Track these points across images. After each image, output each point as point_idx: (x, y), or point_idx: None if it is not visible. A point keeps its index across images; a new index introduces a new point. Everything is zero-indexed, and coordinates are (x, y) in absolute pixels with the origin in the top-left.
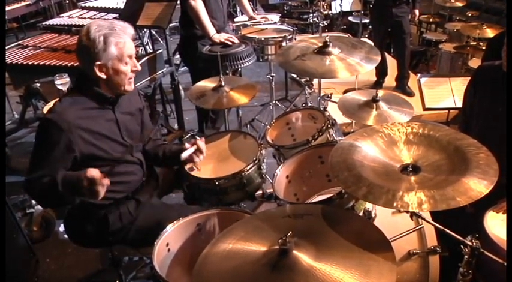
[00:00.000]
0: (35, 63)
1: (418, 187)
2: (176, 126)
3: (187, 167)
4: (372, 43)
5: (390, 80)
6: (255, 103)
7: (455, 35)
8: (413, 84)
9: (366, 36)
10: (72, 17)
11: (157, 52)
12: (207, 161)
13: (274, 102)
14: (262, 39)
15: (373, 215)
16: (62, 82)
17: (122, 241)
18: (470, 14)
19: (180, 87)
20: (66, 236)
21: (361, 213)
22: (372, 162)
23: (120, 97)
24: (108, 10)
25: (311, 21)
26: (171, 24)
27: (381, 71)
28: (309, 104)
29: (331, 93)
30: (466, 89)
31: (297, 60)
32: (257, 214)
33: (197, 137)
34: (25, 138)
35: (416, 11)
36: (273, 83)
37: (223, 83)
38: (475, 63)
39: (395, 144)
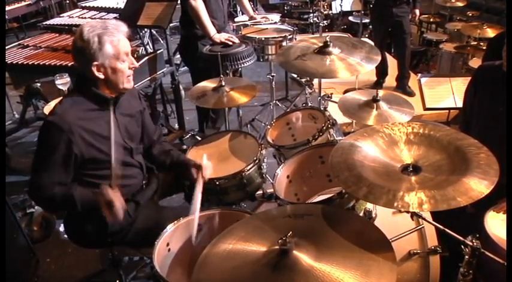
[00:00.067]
0: (36, 63)
1: (418, 187)
2: (176, 126)
3: None
4: (372, 43)
5: (390, 80)
6: (255, 103)
7: (455, 35)
8: (413, 84)
9: (366, 36)
10: (72, 17)
11: (158, 52)
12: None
13: (274, 102)
14: (263, 39)
15: (373, 215)
16: (63, 82)
17: (121, 242)
18: (470, 14)
19: (181, 87)
20: (66, 236)
21: (361, 214)
22: (372, 162)
23: (121, 98)
24: (108, 10)
25: (311, 21)
26: (171, 24)
27: (381, 71)
28: (310, 104)
29: (331, 93)
30: (467, 89)
31: (298, 60)
32: (257, 214)
33: (197, 137)
34: (25, 138)
35: (417, 11)
36: (274, 83)
37: (223, 83)
38: (475, 63)
39: (395, 144)
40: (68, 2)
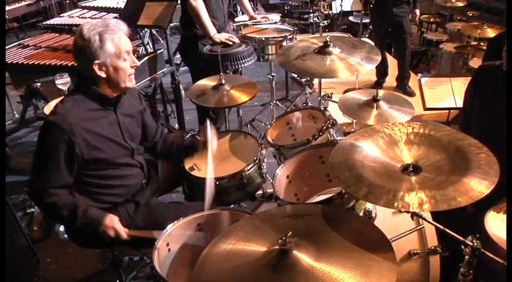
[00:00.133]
0: (36, 62)
1: (418, 187)
2: (176, 126)
3: (187, 166)
4: (372, 43)
5: (391, 80)
6: (255, 103)
7: (455, 35)
8: (413, 84)
9: (367, 36)
10: (72, 17)
11: (158, 52)
12: (208, 160)
13: (274, 102)
14: (263, 39)
15: (373, 215)
16: (63, 82)
17: (122, 242)
18: (471, 14)
19: (181, 87)
20: (66, 235)
21: (361, 214)
22: (372, 162)
23: (122, 97)
24: (108, 10)
25: (311, 21)
26: (171, 24)
27: (382, 70)
28: (310, 104)
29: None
30: (467, 89)
31: (298, 60)
32: (257, 214)
33: (197, 137)
34: (25, 138)
35: (417, 11)
36: (274, 82)
37: (223, 82)
38: (475, 63)
39: (396, 144)
40: (68, 1)
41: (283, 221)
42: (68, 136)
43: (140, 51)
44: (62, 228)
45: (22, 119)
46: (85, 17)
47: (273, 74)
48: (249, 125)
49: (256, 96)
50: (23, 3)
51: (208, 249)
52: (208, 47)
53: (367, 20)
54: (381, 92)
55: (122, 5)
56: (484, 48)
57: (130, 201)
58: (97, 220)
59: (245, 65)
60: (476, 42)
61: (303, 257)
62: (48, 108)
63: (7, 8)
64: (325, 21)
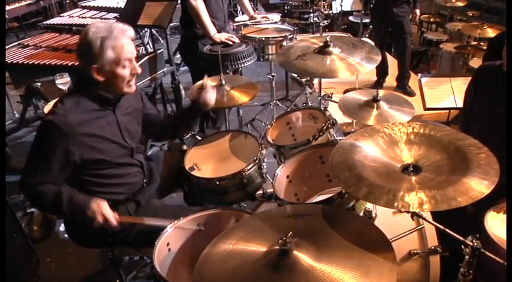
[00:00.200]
0: (36, 62)
1: (419, 187)
2: None
3: (187, 166)
4: (372, 43)
5: (391, 80)
6: (255, 103)
7: (456, 35)
8: (414, 84)
9: (367, 36)
10: (72, 17)
11: (158, 52)
12: (208, 160)
13: (274, 101)
14: (263, 38)
15: (373, 215)
16: (63, 81)
17: (122, 242)
18: (471, 14)
19: (181, 86)
20: (66, 235)
21: (361, 213)
22: (372, 162)
23: (122, 98)
24: (108, 9)
25: (312, 20)
26: (171, 24)
27: (382, 70)
28: (310, 104)
29: (331, 93)
30: (467, 89)
31: (298, 60)
32: (257, 214)
33: (197, 137)
34: (25, 138)
35: (417, 11)
36: (274, 82)
37: (223, 82)
38: (475, 63)
39: (396, 144)
40: (68, 1)
41: (283, 221)
42: (66, 137)
43: (140, 51)
44: (62, 228)
45: (22, 118)
46: (85, 17)
47: (273, 73)
48: (249, 125)
49: (256, 96)
50: (23, 2)
51: (208, 249)
52: (208, 46)
53: (367, 20)
54: (381, 92)
55: (122, 4)
56: (484, 48)
57: (131, 201)
58: (83, 204)
59: (245, 64)
60: (476, 42)
61: (303, 257)
62: (48, 108)
63: (7, 7)
64: (325, 21)
